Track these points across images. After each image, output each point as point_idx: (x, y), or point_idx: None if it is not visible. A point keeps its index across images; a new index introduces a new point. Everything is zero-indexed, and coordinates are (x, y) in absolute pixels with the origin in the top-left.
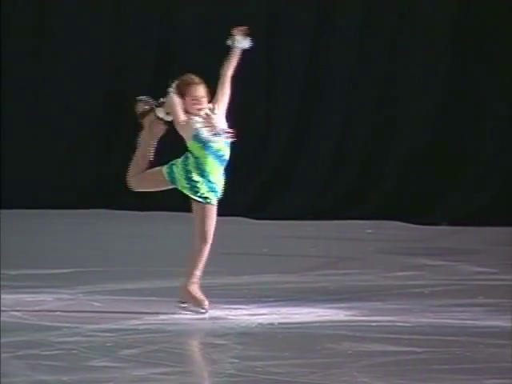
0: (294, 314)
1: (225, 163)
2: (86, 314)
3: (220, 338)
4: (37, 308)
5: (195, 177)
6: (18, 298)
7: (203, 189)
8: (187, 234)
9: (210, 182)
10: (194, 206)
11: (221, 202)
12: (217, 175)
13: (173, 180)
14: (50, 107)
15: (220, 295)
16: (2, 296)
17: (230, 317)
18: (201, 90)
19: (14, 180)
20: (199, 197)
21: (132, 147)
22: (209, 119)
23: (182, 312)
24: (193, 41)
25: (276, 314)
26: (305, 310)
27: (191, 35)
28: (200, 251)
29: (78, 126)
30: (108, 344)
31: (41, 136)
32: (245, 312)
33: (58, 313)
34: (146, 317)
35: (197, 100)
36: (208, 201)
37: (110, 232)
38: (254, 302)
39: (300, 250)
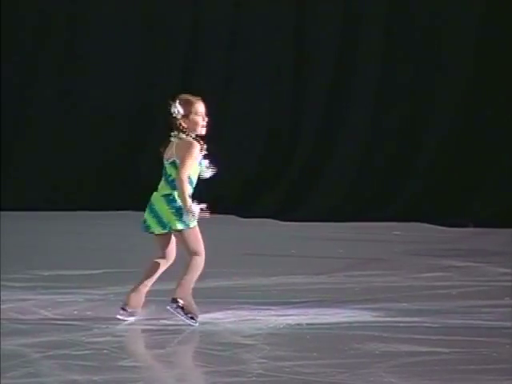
0: (322, 314)
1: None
2: (115, 315)
3: (249, 339)
4: (68, 309)
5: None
6: (49, 298)
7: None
8: (216, 237)
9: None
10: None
11: (251, 205)
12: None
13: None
14: (76, 109)
15: (248, 296)
16: (35, 296)
17: (259, 317)
18: (203, 107)
19: (39, 182)
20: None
21: (158, 148)
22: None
23: (177, 314)
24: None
25: (304, 314)
26: (332, 311)
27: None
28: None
29: (105, 129)
30: (138, 344)
31: (68, 138)
32: (273, 313)
33: (88, 313)
34: (175, 317)
35: (202, 116)
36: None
37: (139, 234)
38: (282, 303)
39: (327, 252)
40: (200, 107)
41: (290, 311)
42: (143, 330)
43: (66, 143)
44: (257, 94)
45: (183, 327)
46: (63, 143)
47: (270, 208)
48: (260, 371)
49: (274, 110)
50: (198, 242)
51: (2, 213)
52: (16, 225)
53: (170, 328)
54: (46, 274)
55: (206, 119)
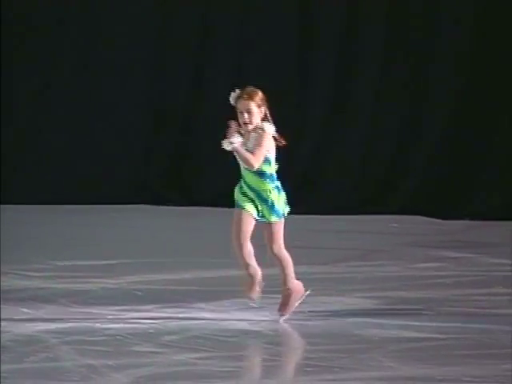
0: (324, 302)
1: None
2: (129, 303)
3: (253, 325)
4: (84, 297)
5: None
6: (66, 287)
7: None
8: (225, 228)
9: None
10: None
11: None
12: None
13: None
14: (98, 102)
15: None
16: (52, 285)
17: (264, 305)
18: (244, 104)
19: (59, 175)
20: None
21: (174, 144)
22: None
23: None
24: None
25: (306, 302)
26: (334, 299)
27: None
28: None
29: (122, 124)
30: (150, 330)
31: (85, 133)
32: (277, 301)
33: (103, 301)
34: (186, 305)
35: (240, 113)
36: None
37: (151, 226)
38: None
39: (330, 243)
40: (239, 104)
41: None
42: (155, 317)
43: (82, 137)
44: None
45: (192, 314)
46: (78, 135)
47: None
48: (265, 356)
49: (277, 107)
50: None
51: (20, 206)
52: (33, 217)
53: (181, 315)
54: (62, 264)
55: (246, 116)
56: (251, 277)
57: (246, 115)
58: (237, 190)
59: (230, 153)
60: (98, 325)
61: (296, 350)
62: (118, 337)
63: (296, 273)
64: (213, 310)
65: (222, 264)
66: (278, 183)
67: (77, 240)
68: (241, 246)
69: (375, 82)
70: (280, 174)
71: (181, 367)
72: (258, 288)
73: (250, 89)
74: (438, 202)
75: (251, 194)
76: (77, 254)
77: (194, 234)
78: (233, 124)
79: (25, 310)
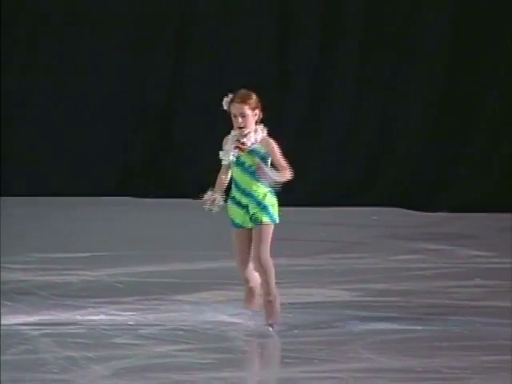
0: (304, 294)
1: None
2: (109, 295)
3: (234, 317)
4: (64, 289)
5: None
6: (46, 279)
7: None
8: (207, 221)
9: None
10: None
11: None
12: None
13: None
14: (75, 95)
15: (234, 277)
16: (33, 278)
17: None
18: (238, 108)
19: (41, 168)
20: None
21: (157, 136)
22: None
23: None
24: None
25: (287, 294)
26: (314, 291)
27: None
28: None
29: (104, 116)
30: (130, 322)
31: (67, 125)
32: (257, 292)
33: (83, 293)
34: (166, 297)
35: (234, 117)
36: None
37: (132, 218)
38: None
39: (310, 235)
40: (232, 108)
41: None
42: (134, 309)
43: (66, 129)
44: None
45: (172, 307)
46: (63, 128)
47: None
48: (245, 348)
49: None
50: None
51: (3, 198)
52: (13, 210)
53: (161, 307)
54: (43, 256)
55: (241, 120)
56: (252, 291)
57: (240, 119)
58: (228, 204)
59: (216, 146)
60: (78, 317)
61: (276, 342)
62: (98, 329)
63: (277, 265)
64: (193, 303)
65: (203, 257)
66: (271, 188)
67: (57, 232)
68: (241, 262)
69: (356, 76)
70: None
71: (161, 359)
72: (257, 298)
73: (242, 92)
74: (417, 195)
75: (245, 201)
76: (57, 247)
77: (175, 227)
78: (230, 136)
79: (5, 302)
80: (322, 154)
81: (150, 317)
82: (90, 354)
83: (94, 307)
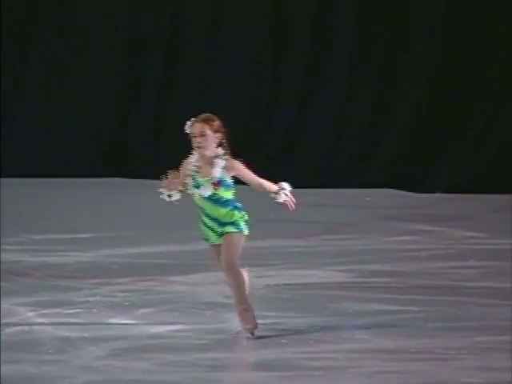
0: (298, 275)
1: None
2: (104, 276)
3: (228, 298)
4: (59, 270)
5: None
6: (42, 260)
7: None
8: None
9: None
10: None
11: None
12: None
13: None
14: (66, 77)
15: None
16: (28, 259)
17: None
18: (198, 127)
19: (35, 149)
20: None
21: (150, 118)
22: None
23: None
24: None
25: (281, 275)
26: (308, 272)
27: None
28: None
29: (93, 98)
30: (125, 303)
31: (56, 106)
32: (252, 274)
33: (78, 274)
34: (161, 278)
35: (194, 137)
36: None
37: (124, 200)
38: (261, 265)
39: (304, 217)
40: (193, 128)
41: (269, 272)
42: (130, 290)
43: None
44: (237, 68)
45: (167, 288)
46: (58, 113)
47: None
48: (240, 329)
49: (252, 87)
50: None
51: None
52: (8, 191)
53: (156, 289)
54: (38, 237)
55: (199, 140)
56: (247, 310)
57: (199, 139)
58: (200, 225)
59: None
60: (73, 298)
61: (271, 323)
62: (93, 310)
63: (271, 246)
64: (188, 283)
65: (198, 238)
66: (238, 204)
67: (52, 213)
68: (227, 273)
69: (350, 56)
70: (254, 148)
71: (156, 340)
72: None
73: (205, 114)
74: (411, 176)
75: (211, 224)
76: (52, 228)
77: (171, 209)
78: (172, 176)
79: (1, 283)
80: (315, 135)
81: (146, 298)
82: (85, 335)
83: (89, 288)
